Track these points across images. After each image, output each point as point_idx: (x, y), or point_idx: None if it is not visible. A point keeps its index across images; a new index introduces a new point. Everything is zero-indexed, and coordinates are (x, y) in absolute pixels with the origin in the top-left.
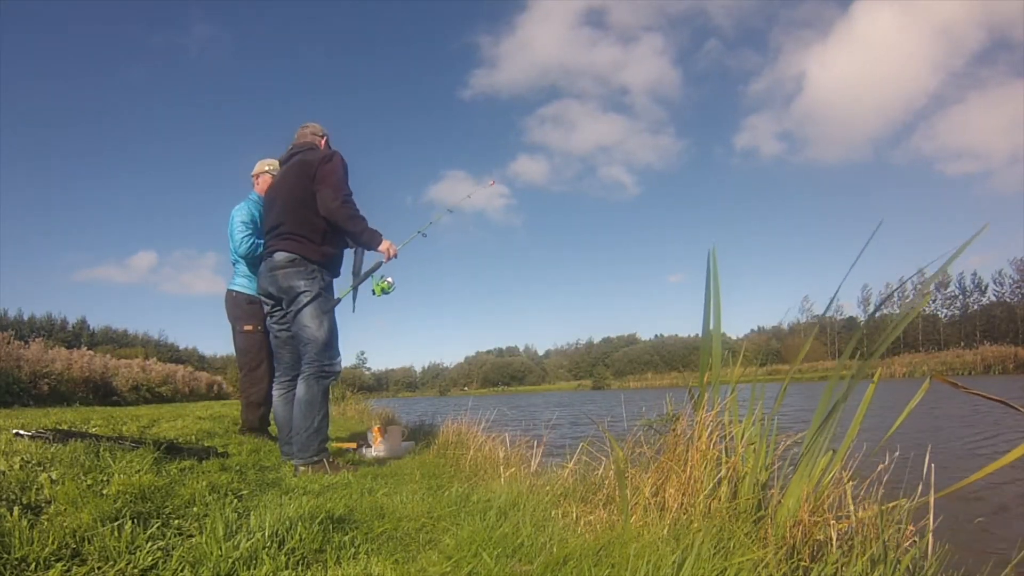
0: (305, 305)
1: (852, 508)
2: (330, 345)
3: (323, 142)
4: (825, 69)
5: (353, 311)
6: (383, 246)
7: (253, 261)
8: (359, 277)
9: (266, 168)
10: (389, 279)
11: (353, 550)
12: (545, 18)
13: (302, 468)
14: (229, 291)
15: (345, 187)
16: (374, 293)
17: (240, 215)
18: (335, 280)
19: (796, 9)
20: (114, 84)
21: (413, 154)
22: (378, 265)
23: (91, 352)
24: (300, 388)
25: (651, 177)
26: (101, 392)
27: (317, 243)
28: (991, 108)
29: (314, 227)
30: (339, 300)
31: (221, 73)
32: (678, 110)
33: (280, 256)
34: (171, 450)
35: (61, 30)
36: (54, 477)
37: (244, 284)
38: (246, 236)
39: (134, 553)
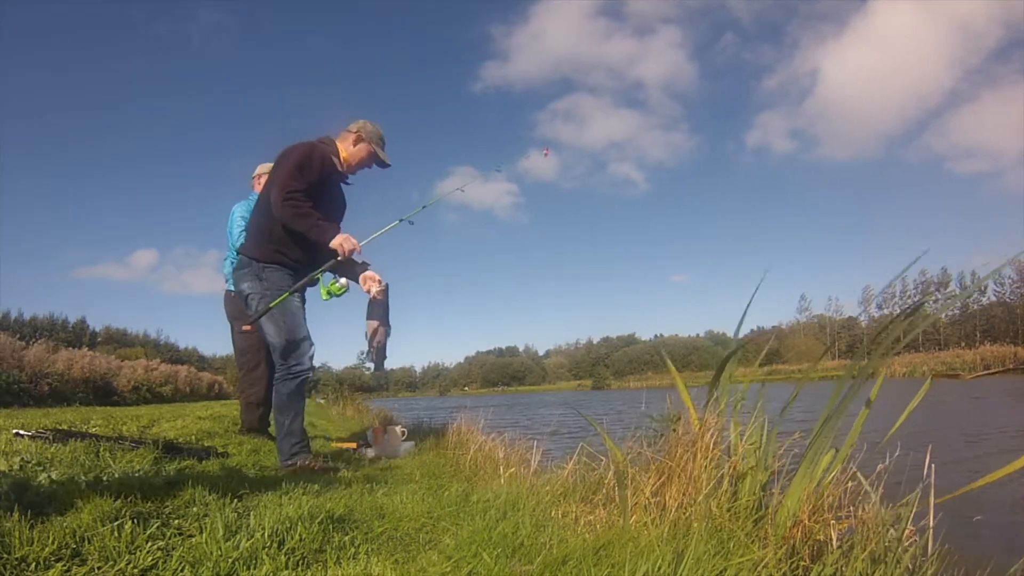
0: (256, 308)
1: (852, 508)
2: (292, 345)
3: (350, 139)
4: (839, 66)
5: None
6: (335, 242)
7: None
8: (303, 279)
9: (268, 170)
10: (342, 280)
11: (353, 550)
12: (560, 7)
13: (282, 471)
14: (228, 290)
15: (291, 183)
16: (322, 296)
17: (240, 211)
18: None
19: (817, 1)
20: (114, 76)
21: (420, 148)
22: (333, 264)
23: (93, 353)
24: (273, 393)
25: (661, 174)
26: (101, 392)
27: (265, 241)
28: (1003, 106)
29: (261, 227)
30: (270, 308)
31: (226, 63)
32: (693, 106)
33: (240, 259)
34: (171, 450)
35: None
36: (54, 477)
37: None
38: (243, 231)
39: (134, 553)
